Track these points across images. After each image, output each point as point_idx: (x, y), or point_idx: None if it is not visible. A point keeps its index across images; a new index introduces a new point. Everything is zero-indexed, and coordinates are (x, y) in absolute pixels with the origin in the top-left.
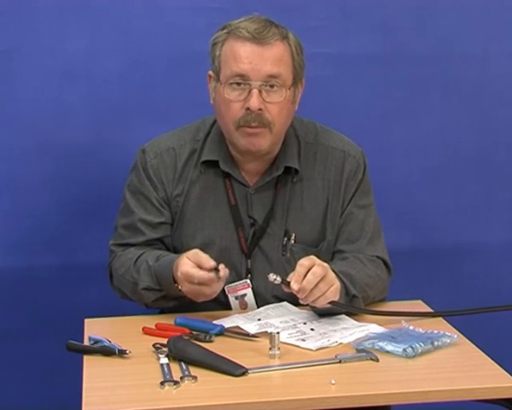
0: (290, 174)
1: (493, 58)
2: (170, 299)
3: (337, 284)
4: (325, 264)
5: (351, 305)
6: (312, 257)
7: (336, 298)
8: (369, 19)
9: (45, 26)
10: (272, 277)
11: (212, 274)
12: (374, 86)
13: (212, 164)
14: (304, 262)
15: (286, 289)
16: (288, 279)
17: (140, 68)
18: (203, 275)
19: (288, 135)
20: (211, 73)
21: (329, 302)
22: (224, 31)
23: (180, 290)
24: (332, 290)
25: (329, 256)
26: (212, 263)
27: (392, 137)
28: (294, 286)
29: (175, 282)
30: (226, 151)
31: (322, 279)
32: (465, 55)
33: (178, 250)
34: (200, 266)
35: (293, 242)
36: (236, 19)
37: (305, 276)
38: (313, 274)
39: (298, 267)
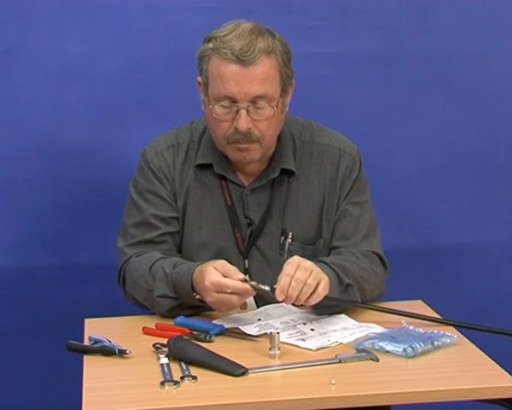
0: (286, 174)
1: (493, 58)
2: (185, 307)
3: (325, 278)
4: (308, 263)
5: (349, 300)
6: (296, 260)
7: (327, 292)
8: (369, 19)
9: (45, 26)
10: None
11: (247, 285)
12: (374, 86)
13: (207, 165)
14: (288, 271)
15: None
16: (275, 286)
17: (140, 68)
18: (238, 285)
19: (283, 135)
20: (200, 80)
21: (324, 298)
22: (210, 45)
23: (198, 300)
24: (322, 286)
25: (326, 254)
26: (241, 275)
27: (392, 137)
28: (279, 297)
29: (193, 290)
30: (220, 153)
31: (309, 276)
32: (465, 55)
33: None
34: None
35: (290, 240)
36: (224, 23)
37: (290, 283)
38: (296, 280)
39: (283, 277)
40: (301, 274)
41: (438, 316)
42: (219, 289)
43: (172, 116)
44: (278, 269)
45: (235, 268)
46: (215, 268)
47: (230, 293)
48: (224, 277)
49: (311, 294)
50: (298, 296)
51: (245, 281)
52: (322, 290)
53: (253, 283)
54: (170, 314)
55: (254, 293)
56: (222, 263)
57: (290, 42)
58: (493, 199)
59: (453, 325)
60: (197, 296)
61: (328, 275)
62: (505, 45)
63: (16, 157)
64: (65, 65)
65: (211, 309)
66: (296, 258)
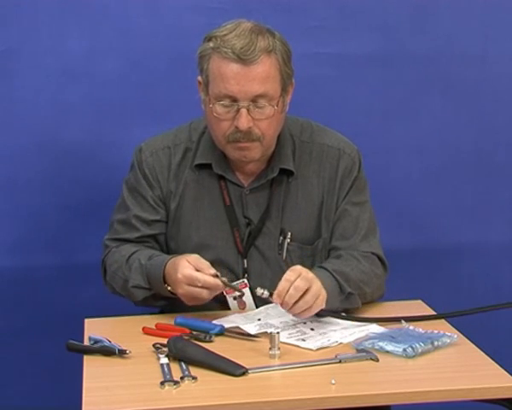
0: (285, 174)
1: (493, 58)
2: (158, 298)
3: (323, 294)
4: (311, 274)
5: (339, 314)
6: (298, 269)
7: (323, 307)
8: (369, 19)
9: (45, 26)
10: (260, 291)
11: (217, 280)
12: (374, 86)
13: (206, 165)
14: (289, 277)
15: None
16: (272, 291)
17: (140, 68)
18: (209, 280)
19: (282, 135)
20: (200, 79)
21: (317, 313)
22: (210, 44)
23: (169, 291)
24: (318, 303)
25: (325, 254)
26: (213, 270)
27: (392, 137)
28: (276, 300)
29: (165, 282)
30: (220, 153)
31: (307, 291)
32: (465, 55)
33: (173, 250)
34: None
35: (289, 240)
36: (224, 23)
37: (289, 289)
38: (295, 289)
39: (282, 281)
40: (301, 283)
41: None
42: (191, 282)
43: (172, 116)
44: (277, 269)
45: (207, 263)
46: (188, 262)
47: (201, 287)
48: (197, 271)
49: (305, 309)
50: (293, 307)
51: (216, 276)
52: (316, 307)
53: (224, 279)
54: (144, 304)
55: (224, 288)
56: (195, 257)
57: (290, 42)
58: (493, 199)
59: (440, 318)
60: (168, 288)
61: (330, 284)
62: (505, 45)
63: (16, 157)
64: (65, 64)
65: (182, 302)
66: (299, 267)
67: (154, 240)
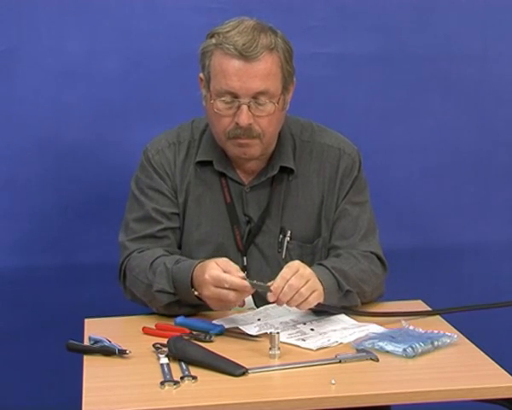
0: (286, 173)
1: (493, 58)
2: (183, 305)
3: (320, 289)
4: (308, 271)
5: (337, 307)
6: (295, 265)
7: (320, 300)
8: (369, 19)
9: (45, 26)
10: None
11: (245, 282)
12: (374, 86)
13: (207, 163)
14: (285, 274)
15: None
16: (268, 284)
17: (140, 68)
18: (236, 281)
19: (283, 134)
20: (202, 76)
21: (316, 305)
22: (213, 40)
23: (196, 296)
24: (314, 296)
25: (325, 253)
26: (242, 274)
27: (392, 137)
28: (270, 298)
29: (192, 287)
30: (221, 151)
31: (304, 285)
32: (465, 55)
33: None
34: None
35: (288, 239)
36: (227, 21)
37: (283, 287)
38: (290, 287)
39: (278, 279)
40: (296, 281)
41: (438, 316)
42: (218, 283)
43: (172, 116)
44: (276, 267)
45: (236, 266)
46: (216, 264)
47: (228, 289)
48: (225, 273)
49: (302, 302)
50: (288, 301)
51: (244, 279)
52: (313, 299)
53: (253, 281)
54: (167, 311)
55: (252, 291)
56: (224, 260)
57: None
58: (493, 199)
59: (435, 314)
60: (195, 292)
61: (328, 281)
62: (505, 45)
63: (16, 157)
64: (65, 65)
65: (208, 309)
66: (297, 263)
67: (173, 234)
